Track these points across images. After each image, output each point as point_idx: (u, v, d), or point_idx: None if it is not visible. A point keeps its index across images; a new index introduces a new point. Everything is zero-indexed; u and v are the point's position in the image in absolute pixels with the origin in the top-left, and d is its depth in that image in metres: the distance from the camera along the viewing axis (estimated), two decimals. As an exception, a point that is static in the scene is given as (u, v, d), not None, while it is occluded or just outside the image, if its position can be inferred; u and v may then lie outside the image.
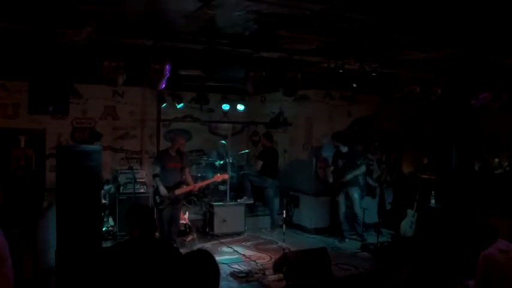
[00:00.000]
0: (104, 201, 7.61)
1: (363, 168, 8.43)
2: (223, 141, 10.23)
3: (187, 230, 8.04)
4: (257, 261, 7.09)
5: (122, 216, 7.80)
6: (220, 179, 8.29)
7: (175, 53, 5.85)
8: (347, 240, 8.38)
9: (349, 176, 8.26)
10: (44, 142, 8.70)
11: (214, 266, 2.38)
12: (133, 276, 2.83)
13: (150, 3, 4.09)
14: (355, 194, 8.32)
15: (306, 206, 9.19)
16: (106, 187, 7.79)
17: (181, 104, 9.75)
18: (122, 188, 8.33)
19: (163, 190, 7.12)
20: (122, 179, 8.45)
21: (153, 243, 3.10)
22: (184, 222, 8.01)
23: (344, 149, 8.39)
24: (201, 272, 2.26)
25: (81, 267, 5.47)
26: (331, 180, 8.55)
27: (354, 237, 8.43)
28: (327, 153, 9.06)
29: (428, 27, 4.64)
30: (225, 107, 10.34)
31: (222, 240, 8.21)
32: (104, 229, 7.55)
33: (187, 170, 7.52)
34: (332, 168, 8.59)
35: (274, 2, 3.88)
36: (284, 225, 8.09)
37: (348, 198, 8.38)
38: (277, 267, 6.21)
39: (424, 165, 9.19)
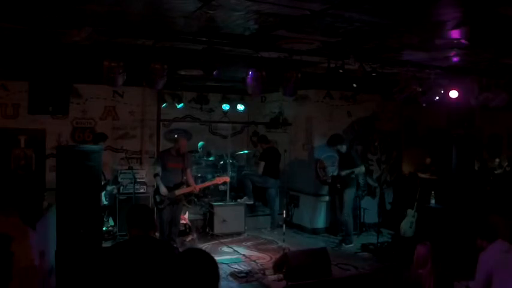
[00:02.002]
0: (105, 202, 7.50)
1: (362, 169, 8.24)
2: (201, 142, 10.25)
3: (187, 230, 8.05)
4: (257, 261, 7.10)
5: (122, 216, 7.81)
6: (221, 182, 8.33)
7: (175, 53, 5.85)
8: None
9: (344, 172, 8.12)
10: (44, 142, 8.71)
11: (211, 263, 2.36)
12: (133, 276, 2.84)
13: (150, 3, 4.09)
14: (346, 196, 8.13)
15: (306, 206, 9.19)
16: (109, 188, 7.70)
17: (181, 104, 9.76)
18: (121, 188, 8.33)
19: (163, 189, 7.12)
20: (122, 179, 8.45)
21: (152, 243, 3.10)
22: (184, 222, 8.02)
23: (342, 149, 8.33)
24: (198, 269, 2.25)
25: (81, 267, 5.46)
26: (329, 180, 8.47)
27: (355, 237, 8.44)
28: (327, 154, 9.08)
29: (428, 26, 4.64)
30: (225, 107, 10.36)
31: (222, 240, 8.21)
32: (104, 229, 7.54)
33: (188, 170, 7.52)
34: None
35: (274, 2, 3.88)
36: (284, 225, 8.10)
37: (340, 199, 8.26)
38: (277, 267, 6.22)
39: (426, 165, 9.20)
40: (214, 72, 5.52)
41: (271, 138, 9.67)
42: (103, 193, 7.12)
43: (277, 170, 9.06)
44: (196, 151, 10.18)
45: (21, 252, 2.94)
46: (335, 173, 8.41)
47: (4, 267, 2.86)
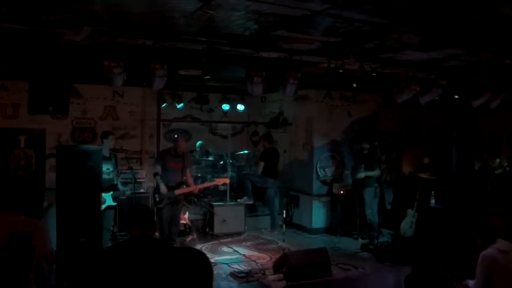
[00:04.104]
0: (112, 203, 7.34)
1: (378, 172, 8.31)
2: (199, 142, 10.23)
3: (187, 230, 8.05)
4: (257, 261, 7.09)
5: (122, 216, 7.79)
6: (221, 183, 8.33)
7: (175, 53, 5.85)
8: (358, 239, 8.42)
9: (360, 175, 8.21)
10: (44, 142, 8.70)
11: (204, 261, 2.36)
12: (132, 276, 2.84)
13: (150, 3, 4.09)
14: (366, 196, 8.24)
15: (306, 206, 9.19)
16: (121, 188, 7.55)
17: (181, 104, 9.76)
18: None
19: (163, 188, 7.12)
20: (122, 179, 8.42)
21: (152, 243, 3.10)
22: (184, 222, 8.01)
23: (366, 149, 8.38)
24: (191, 268, 2.26)
25: (81, 268, 5.47)
26: (363, 175, 8.29)
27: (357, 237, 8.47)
28: (327, 154, 9.09)
29: (428, 27, 4.64)
30: (225, 107, 10.35)
31: (222, 240, 8.21)
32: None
33: (188, 170, 7.52)
34: (349, 172, 8.61)
35: (274, 2, 3.88)
36: (284, 225, 8.09)
37: (360, 200, 8.35)
38: (277, 267, 6.21)
39: (425, 165, 9.20)
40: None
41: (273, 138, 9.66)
42: (110, 193, 7.06)
43: (276, 170, 9.06)
44: (195, 150, 10.17)
45: (41, 243, 3.17)
46: (360, 175, 8.30)
47: (27, 260, 3.05)
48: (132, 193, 7.57)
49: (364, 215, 8.27)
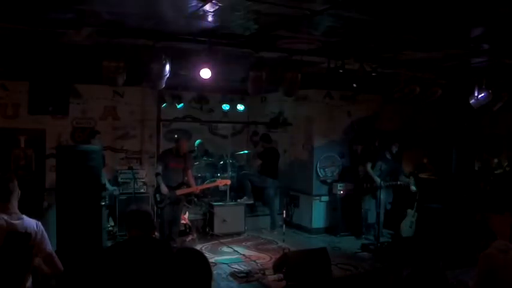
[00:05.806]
0: (103, 202, 7.36)
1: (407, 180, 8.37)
2: (197, 140, 10.22)
3: (187, 230, 8.05)
4: (257, 261, 7.09)
5: (122, 216, 7.80)
6: (222, 184, 8.33)
7: (175, 53, 5.86)
8: (363, 237, 8.46)
9: (387, 183, 8.27)
10: (44, 142, 8.69)
11: (203, 262, 2.36)
12: (132, 276, 2.84)
13: (150, 3, 4.10)
14: (383, 196, 8.28)
15: (306, 206, 9.19)
16: (110, 188, 7.56)
17: (181, 104, 9.75)
18: (121, 188, 8.31)
19: (164, 188, 7.13)
20: (122, 179, 8.43)
21: (151, 243, 3.11)
22: (184, 222, 8.01)
23: (389, 155, 8.40)
24: (190, 269, 2.25)
25: (81, 268, 5.47)
26: (379, 181, 8.23)
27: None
28: (327, 154, 9.08)
29: (428, 27, 4.64)
30: (225, 107, 10.34)
31: (222, 240, 8.21)
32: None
33: (189, 171, 7.52)
34: (370, 165, 8.48)
35: (274, 2, 3.88)
36: (284, 225, 8.08)
37: (373, 199, 8.39)
38: (277, 267, 6.21)
39: (424, 165, 9.20)
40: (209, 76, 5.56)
41: (271, 138, 9.65)
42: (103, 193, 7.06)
43: (275, 170, 9.06)
44: (194, 150, 10.16)
45: (39, 244, 3.20)
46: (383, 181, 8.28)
47: (24, 260, 3.07)
48: (131, 193, 7.59)
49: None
